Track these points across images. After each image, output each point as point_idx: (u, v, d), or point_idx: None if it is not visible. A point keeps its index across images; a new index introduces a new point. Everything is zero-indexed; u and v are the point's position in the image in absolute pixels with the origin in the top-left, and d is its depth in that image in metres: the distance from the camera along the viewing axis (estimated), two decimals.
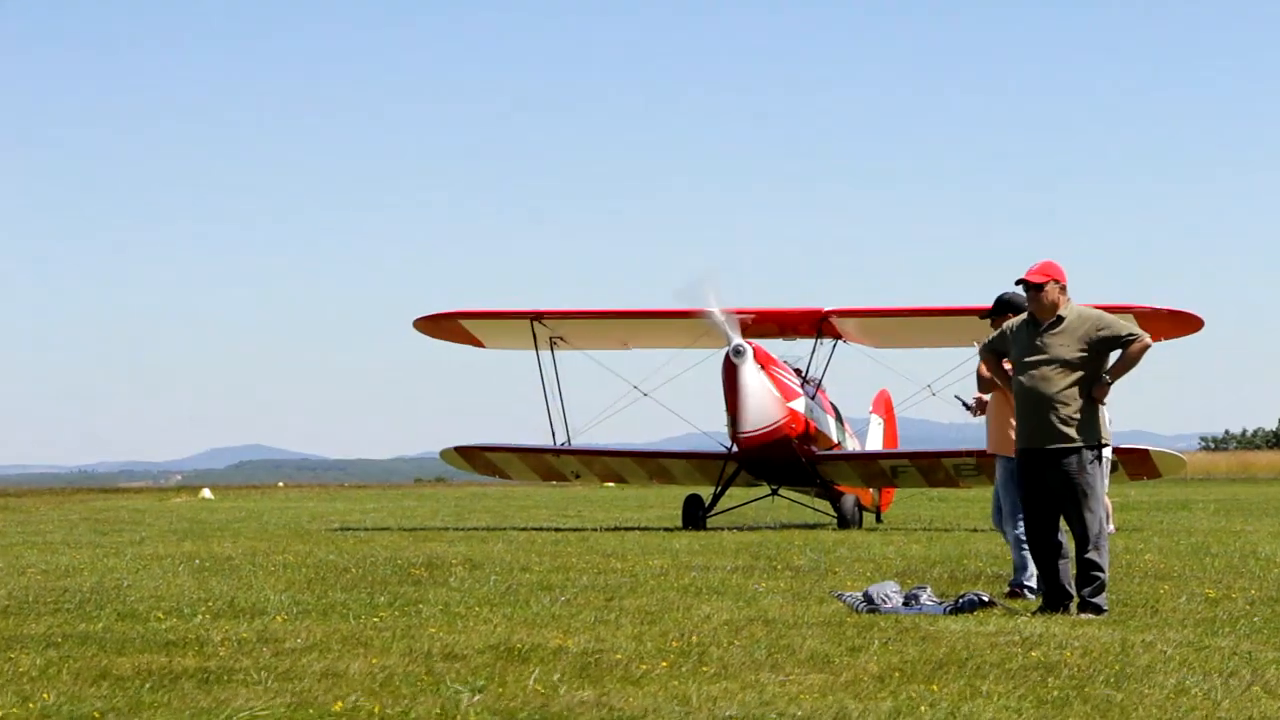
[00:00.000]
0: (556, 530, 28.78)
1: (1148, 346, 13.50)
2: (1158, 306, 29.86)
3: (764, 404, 30.83)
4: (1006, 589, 15.05)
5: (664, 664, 10.25)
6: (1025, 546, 14.83)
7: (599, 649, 10.96)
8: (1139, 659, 10.46)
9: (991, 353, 14.18)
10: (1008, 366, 14.14)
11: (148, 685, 9.50)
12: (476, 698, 9.05)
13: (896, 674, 9.86)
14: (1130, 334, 13.51)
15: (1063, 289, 13.65)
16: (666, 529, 29.41)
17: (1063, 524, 13.56)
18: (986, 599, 13.47)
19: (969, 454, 30.53)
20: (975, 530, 27.75)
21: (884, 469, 32.15)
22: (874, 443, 35.97)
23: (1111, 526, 27.00)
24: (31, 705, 8.88)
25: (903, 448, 35.21)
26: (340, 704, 8.87)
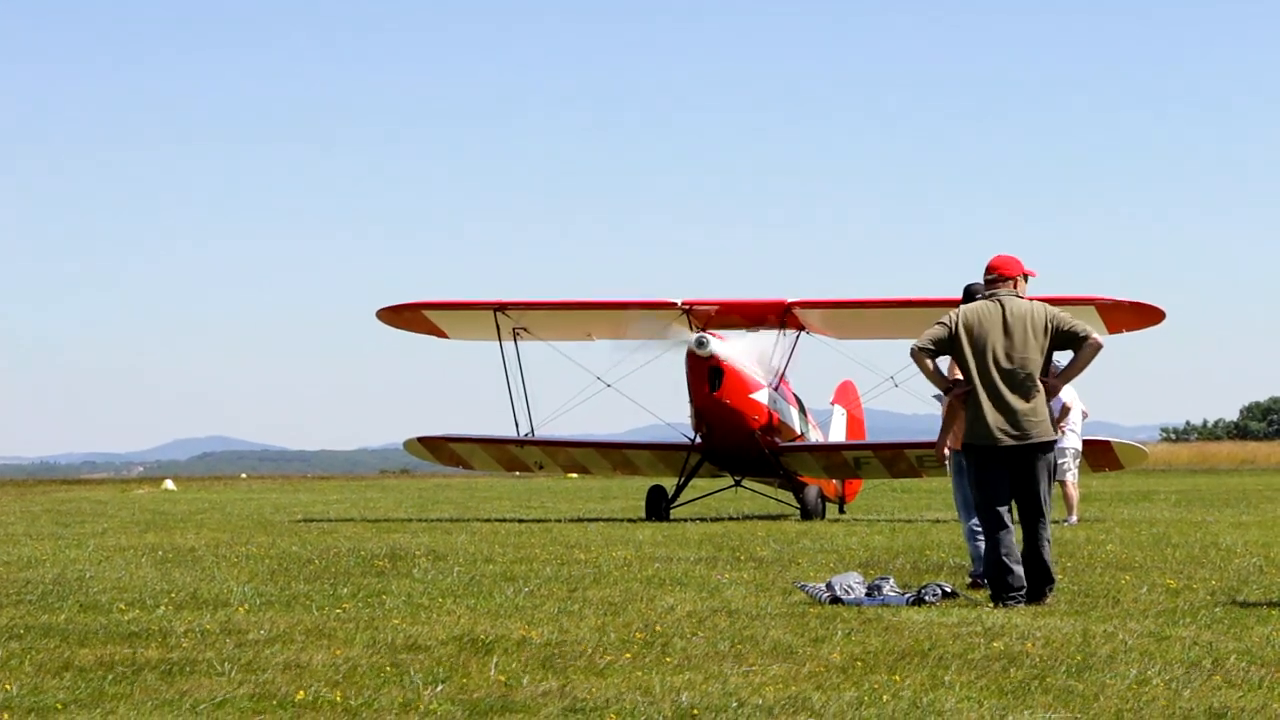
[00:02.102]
0: (520, 521, 28.78)
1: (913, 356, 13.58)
2: (1119, 298, 29.88)
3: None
4: (968, 580, 15.10)
5: (627, 655, 10.27)
6: (979, 538, 14.91)
7: (562, 640, 10.97)
8: (1100, 649, 10.50)
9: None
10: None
11: (110, 677, 9.49)
12: (439, 688, 9.05)
13: (859, 664, 9.88)
14: None
15: (989, 282, 13.79)
16: (630, 520, 29.43)
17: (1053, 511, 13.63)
18: (949, 590, 13.51)
19: (932, 445, 30.53)
20: (938, 521, 27.81)
21: (847, 460, 32.19)
22: (837, 434, 36.03)
23: (1074, 518, 27.12)
24: None
25: (866, 438, 35.27)
26: (303, 694, 8.87)
